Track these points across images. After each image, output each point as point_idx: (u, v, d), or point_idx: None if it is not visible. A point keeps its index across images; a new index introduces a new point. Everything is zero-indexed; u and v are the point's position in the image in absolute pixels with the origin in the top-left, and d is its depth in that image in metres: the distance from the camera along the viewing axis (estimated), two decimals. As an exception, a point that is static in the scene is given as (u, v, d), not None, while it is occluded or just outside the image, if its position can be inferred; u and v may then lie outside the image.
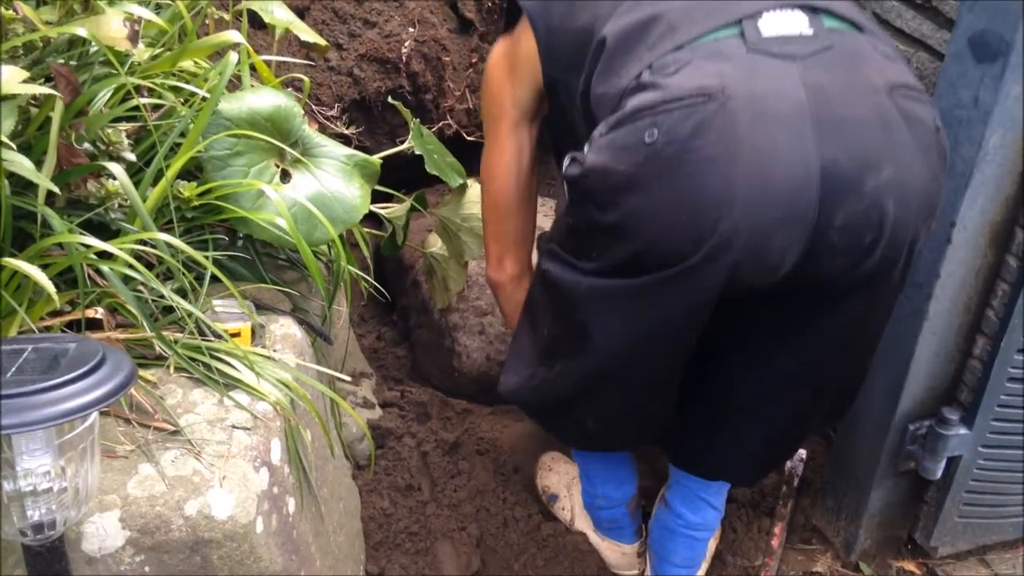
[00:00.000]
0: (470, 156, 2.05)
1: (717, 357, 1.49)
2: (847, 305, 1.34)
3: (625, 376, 1.43)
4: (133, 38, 1.30)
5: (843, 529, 1.80)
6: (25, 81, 1.10)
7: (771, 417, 1.51)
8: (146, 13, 1.21)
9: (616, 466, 1.75)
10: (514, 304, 1.70)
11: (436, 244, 2.15)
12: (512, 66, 1.57)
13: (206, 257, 1.29)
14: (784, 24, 1.23)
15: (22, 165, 1.11)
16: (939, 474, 1.64)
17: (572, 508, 1.85)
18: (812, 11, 1.24)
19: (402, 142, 2.12)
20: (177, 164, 1.30)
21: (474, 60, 2.72)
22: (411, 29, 2.58)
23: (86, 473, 0.98)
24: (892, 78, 1.23)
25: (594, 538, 1.83)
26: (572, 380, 1.47)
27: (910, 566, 1.81)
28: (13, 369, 0.95)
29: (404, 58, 2.53)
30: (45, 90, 1.13)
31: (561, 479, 1.89)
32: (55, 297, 1.07)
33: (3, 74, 1.00)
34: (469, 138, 2.67)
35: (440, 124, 2.62)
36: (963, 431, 1.59)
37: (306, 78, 1.74)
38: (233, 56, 1.39)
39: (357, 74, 2.51)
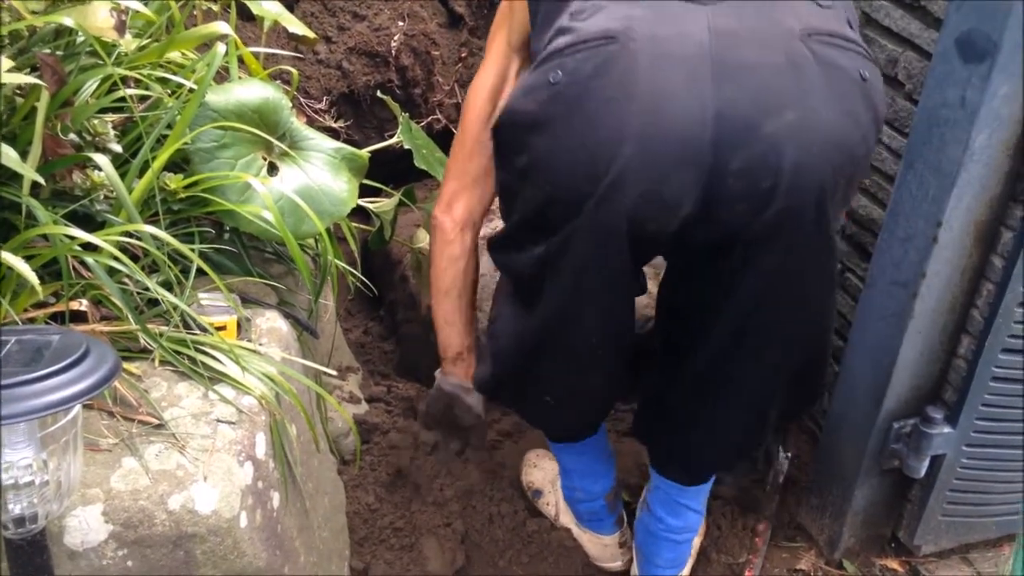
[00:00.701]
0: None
1: (675, 348, 1.51)
2: (761, 257, 1.29)
3: (564, 341, 1.44)
4: (120, 28, 1.29)
5: (827, 527, 1.81)
6: (11, 70, 1.09)
7: (727, 402, 1.48)
8: (134, 3, 1.21)
9: (593, 460, 1.76)
10: (445, 259, 1.65)
11: (424, 239, 2.15)
12: (511, 8, 1.56)
13: (192, 250, 1.28)
14: None
15: (8, 155, 1.10)
16: (923, 473, 1.65)
17: (556, 503, 1.86)
18: None
19: (391, 136, 2.11)
20: (164, 156, 1.30)
21: (463, 55, 2.71)
22: (400, 23, 2.57)
23: (68, 466, 0.98)
24: (813, 24, 1.22)
25: (576, 532, 1.83)
26: (520, 347, 1.51)
27: (893, 564, 1.82)
28: (-4, 361, 0.94)
29: (393, 52, 2.52)
30: (31, 80, 1.12)
31: (546, 475, 1.89)
32: (39, 289, 1.07)
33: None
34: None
35: (429, 118, 2.62)
36: (947, 430, 1.60)
37: (294, 71, 1.73)
38: (221, 47, 1.39)
39: (346, 67, 2.51)
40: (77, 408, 0.97)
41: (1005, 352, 1.54)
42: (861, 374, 1.63)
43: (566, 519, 1.85)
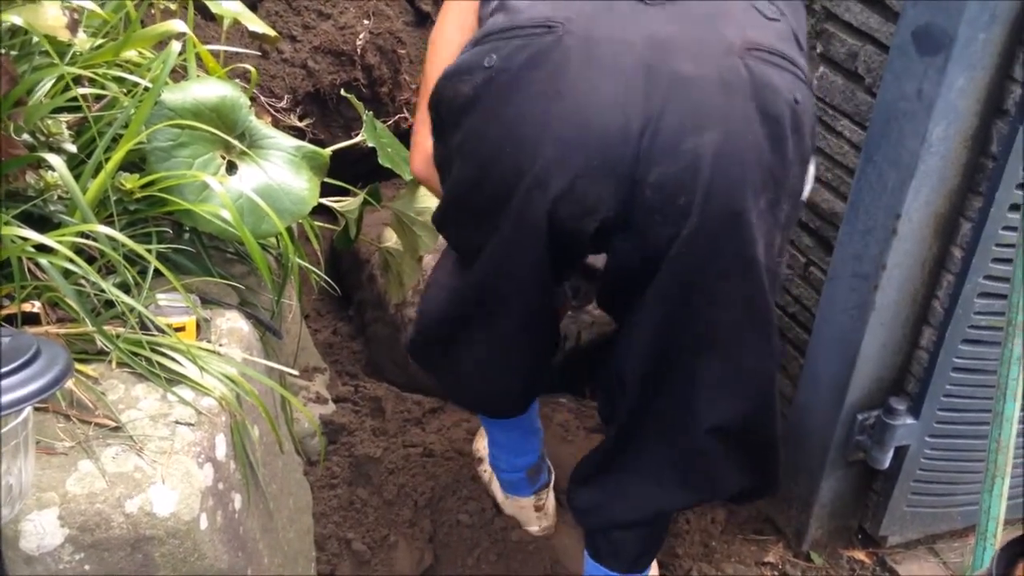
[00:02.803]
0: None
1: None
2: (679, 278, 1.26)
3: (484, 318, 1.43)
4: (73, 27, 1.27)
5: (794, 519, 1.82)
6: (-42, 70, 1.08)
7: (650, 464, 1.45)
8: (86, 2, 1.19)
9: (519, 436, 1.78)
10: None
11: (392, 239, 2.14)
12: None
13: (149, 250, 1.26)
14: None
15: (-44, 156, 1.08)
16: (887, 464, 1.66)
17: (491, 472, 1.89)
18: None
19: (357, 135, 2.10)
20: (118, 155, 1.28)
21: (430, 53, 2.70)
22: (366, 21, 2.56)
23: (20, 470, 0.96)
24: (755, 38, 1.20)
25: (500, 497, 1.86)
26: (444, 312, 1.51)
27: (860, 555, 1.83)
28: (-58, 364, 0.93)
29: (359, 50, 2.51)
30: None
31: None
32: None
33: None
34: (425, 131, 2.66)
35: (396, 117, 2.61)
36: (910, 421, 1.61)
37: (253, 69, 1.72)
38: (176, 45, 1.37)
39: (311, 66, 2.49)
40: (28, 410, 0.96)
41: (966, 343, 1.55)
42: (825, 366, 1.64)
43: (494, 486, 1.87)
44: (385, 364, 2.28)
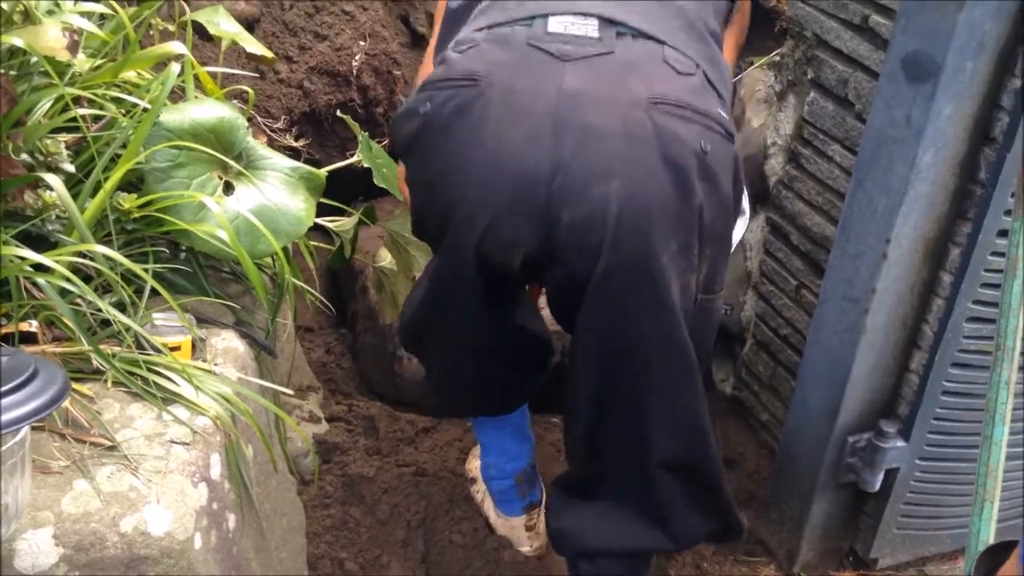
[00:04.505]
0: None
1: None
2: (598, 314, 1.34)
3: (436, 328, 1.54)
4: (72, 48, 1.29)
5: (786, 541, 1.82)
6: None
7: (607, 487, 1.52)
8: (85, 23, 1.20)
9: (507, 438, 1.81)
10: None
11: (386, 258, 2.15)
12: None
13: (145, 270, 1.27)
14: (573, 25, 1.33)
15: (-45, 176, 1.09)
16: (878, 486, 1.67)
17: (483, 492, 1.90)
18: (609, 21, 1.32)
19: (353, 155, 2.11)
20: (116, 175, 1.29)
21: (426, 74, 2.72)
22: (362, 43, 2.58)
23: (16, 489, 0.97)
24: (661, 92, 1.29)
25: (493, 518, 1.87)
26: (418, 301, 1.59)
27: (851, 577, 1.84)
28: (-60, 384, 0.94)
29: (355, 71, 2.53)
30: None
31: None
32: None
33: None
34: (420, 152, 2.67)
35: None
36: (900, 444, 1.62)
37: (251, 90, 1.73)
38: (175, 67, 1.38)
39: (307, 87, 2.51)
40: (25, 430, 0.96)
41: (955, 367, 1.57)
42: (816, 389, 1.65)
43: (487, 505, 1.89)
44: (373, 375, 2.29)
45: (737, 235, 1.49)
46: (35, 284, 1.25)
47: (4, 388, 0.93)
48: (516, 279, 1.40)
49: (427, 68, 1.60)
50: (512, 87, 1.30)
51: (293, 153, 2.35)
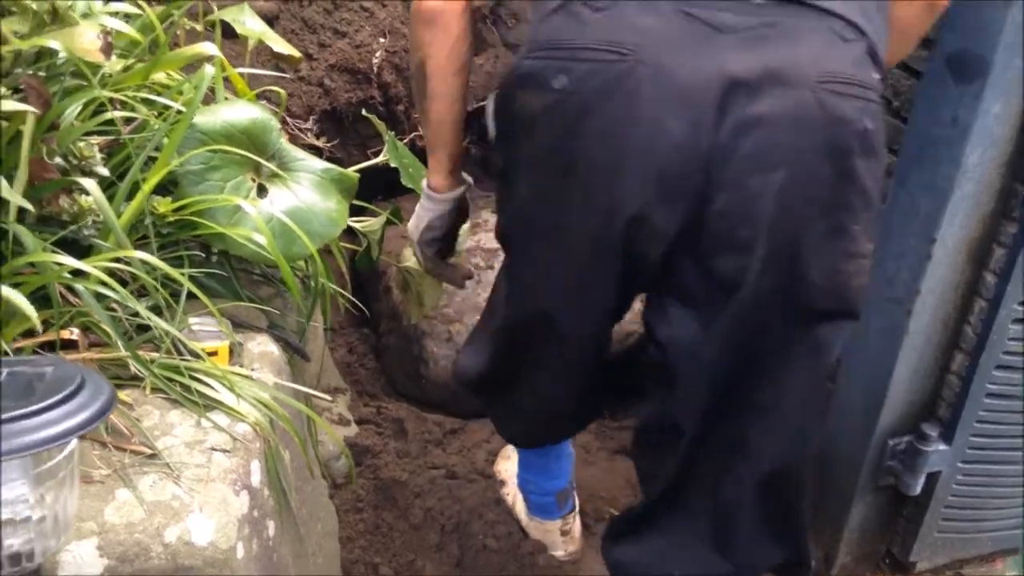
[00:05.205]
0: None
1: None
2: (739, 306, 1.23)
3: (544, 344, 1.41)
4: (106, 50, 1.26)
5: (823, 544, 1.80)
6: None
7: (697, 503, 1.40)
8: (121, 25, 1.18)
9: (551, 460, 1.77)
10: (448, 52, 1.42)
11: (411, 258, 2.12)
12: None
13: (182, 274, 1.25)
14: None
15: (-3, 182, 1.07)
16: (919, 489, 1.65)
17: (514, 495, 1.88)
18: None
19: (374, 153, 2.09)
20: (154, 179, 1.27)
21: (446, 71, 2.70)
22: (382, 39, 2.56)
23: (65, 501, 0.95)
24: (830, 68, 1.16)
25: (525, 521, 1.84)
26: (492, 349, 1.51)
27: (888, 581, 1.82)
28: (-11, 395, 0.92)
29: (375, 68, 2.51)
30: (24, 107, 1.09)
31: (512, 467, 1.90)
32: (36, 323, 1.04)
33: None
34: (441, 149, 2.65)
35: (412, 135, 2.60)
36: (942, 447, 1.60)
37: (282, 91, 1.71)
38: (209, 69, 1.36)
39: (328, 84, 2.48)
40: (74, 442, 0.94)
41: (1000, 369, 1.54)
42: (856, 391, 1.63)
43: (519, 508, 1.86)
44: (398, 377, 2.27)
45: None
46: (71, 289, 1.23)
47: (52, 400, 0.91)
48: (647, 277, 1.29)
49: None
50: (666, 64, 1.15)
51: (315, 152, 2.33)
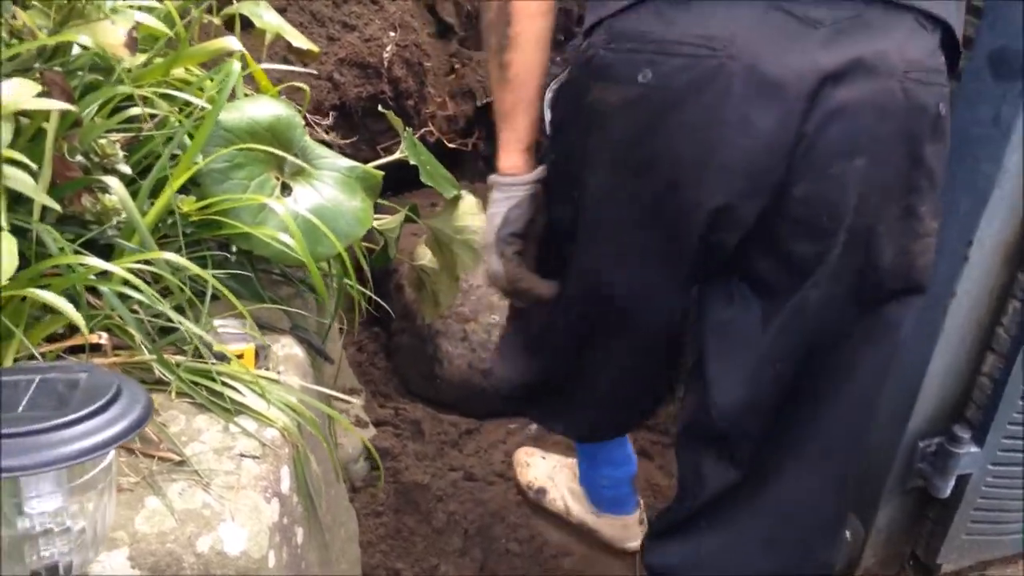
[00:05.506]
0: (452, 164, 2.02)
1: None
2: (816, 291, 1.23)
3: (615, 333, 1.38)
4: (131, 45, 1.23)
5: (848, 547, 1.78)
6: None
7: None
8: (151, 20, 1.15)
9: (617, 445, 1.73)
10: (531, 34, 1.36)
11: (426, 256, 2.09)
12: None
13: (214, 276, 1.22)
14: None
15: (23, 181, 1.03)
16: (948, 492, 1.63)
17: (563, 497, 1.83)
18: None
19: (384, 149, 2.06)
20: (182, 178, 1.24)
21: (457, 65, 2.67)
22: (392, 33, 2.52)
23: (104, 512, 0.92)
24: (912, 57, 1.17)
25: (591, 519, 1.80)
26: (565, 334, 1.43)
27: (912, 583, 1.81)
28: (24, 403, 0.89)
29: (386, 63, 2.47)
30: (51, 103, 1.06)
31: (542, 471, 1.86)
32: (84, 327, 1.01)
33: (9, 88, 0.92)
34: (450, 145, 2.62)
35: (422, 131, 2.57)
36: (974, 449, 1.59)
37: (305, 87, 1.67)
38: (236, 65, 1.33)
39: (337, 79, 2.45)
40: (112, 454, 0.92)
41: (1034, 370, 1.53)
42: (886, 392, 1.61)
43: (577, 509, 1.81)
44: (412, 376, 2.24)
45: None
46: (91, 291, 1.20)
47: (90, 409, 0.88)
48: (718, 264, 1.27)
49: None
50: (758, 61, 1.14)
51: (326, 147, 2.30)
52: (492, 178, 1.45)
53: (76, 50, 1.28)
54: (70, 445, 0.86)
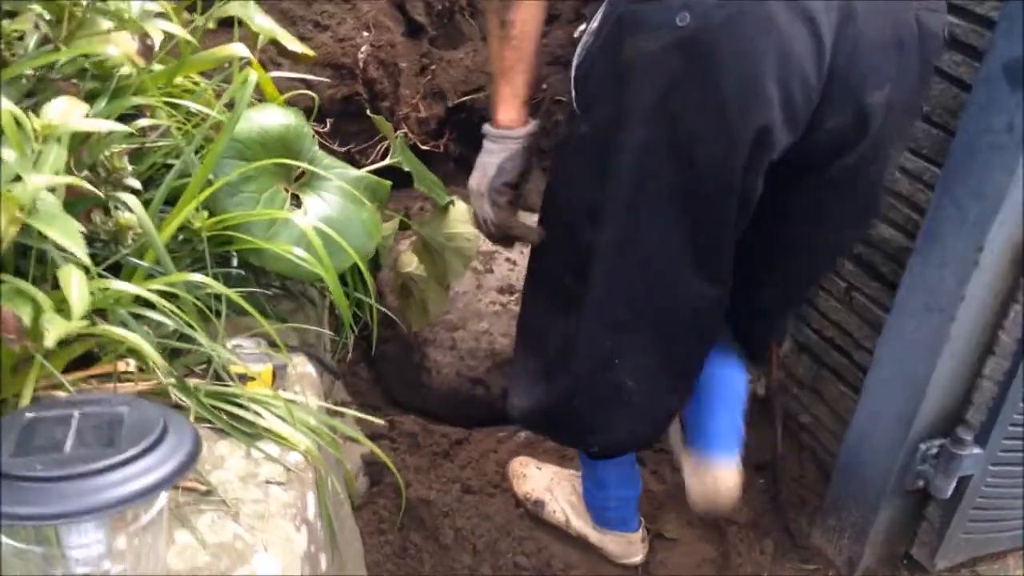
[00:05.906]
0: (426, 166, 1.98)
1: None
2: (838, 192, 1.37)
3: (654, 294, 1.39)
4: (145, 54, 1.18)
5: (846, 548, 1.80)
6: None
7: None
8: (174, 28, 1.09)
9: (627, 464, 1.72)
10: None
11: (412, 263, 2.05)
12: None
13: (237, 294, 1.17)
14: None
15: (42, 199, 0.97)
16: (949, 493, 1.65)
17: (563, 508, 1.81)
18: None
19: (358, 152, 2.01)
20: (199, 197, 1.18)
21: (429, 65, 2.62)
22: (365, 33, 2.46)
23: (157, 552, 0.88)
24: None
25: (594, 535, 1.79)
26: (596, 343, 1.44)
27: (908, 582, 1.83)
28: (70, 443, 0.84)
29: (360, 63, 2.41)
30: (110, 124, 0.99)
31: (539, 482, 1.84)
32: (158, 362, 0.96)
33: (58, 107, 0.87)
34: (424, 147, 2.58)
35: (398, 133, 2.51)
36: (976, 450, 1.61)
37: (314, 94, 1.62)
38: (252, 75, 1.27)
39: (309, 80, 2.38)
40: (164, 495, 0.87)
41: (1036, 372, 1.55)
42: (888, 396, 1.63)
43: (578, 522, 1.80)
44: (397, 386, 2.20)
45: None
46: (100, 312, 1.14)
47: (138, 450, 0.84)
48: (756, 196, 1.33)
49: None
50: None
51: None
52: (487, 129, 1.49)
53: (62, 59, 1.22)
54: (121, 488, 0.81)
